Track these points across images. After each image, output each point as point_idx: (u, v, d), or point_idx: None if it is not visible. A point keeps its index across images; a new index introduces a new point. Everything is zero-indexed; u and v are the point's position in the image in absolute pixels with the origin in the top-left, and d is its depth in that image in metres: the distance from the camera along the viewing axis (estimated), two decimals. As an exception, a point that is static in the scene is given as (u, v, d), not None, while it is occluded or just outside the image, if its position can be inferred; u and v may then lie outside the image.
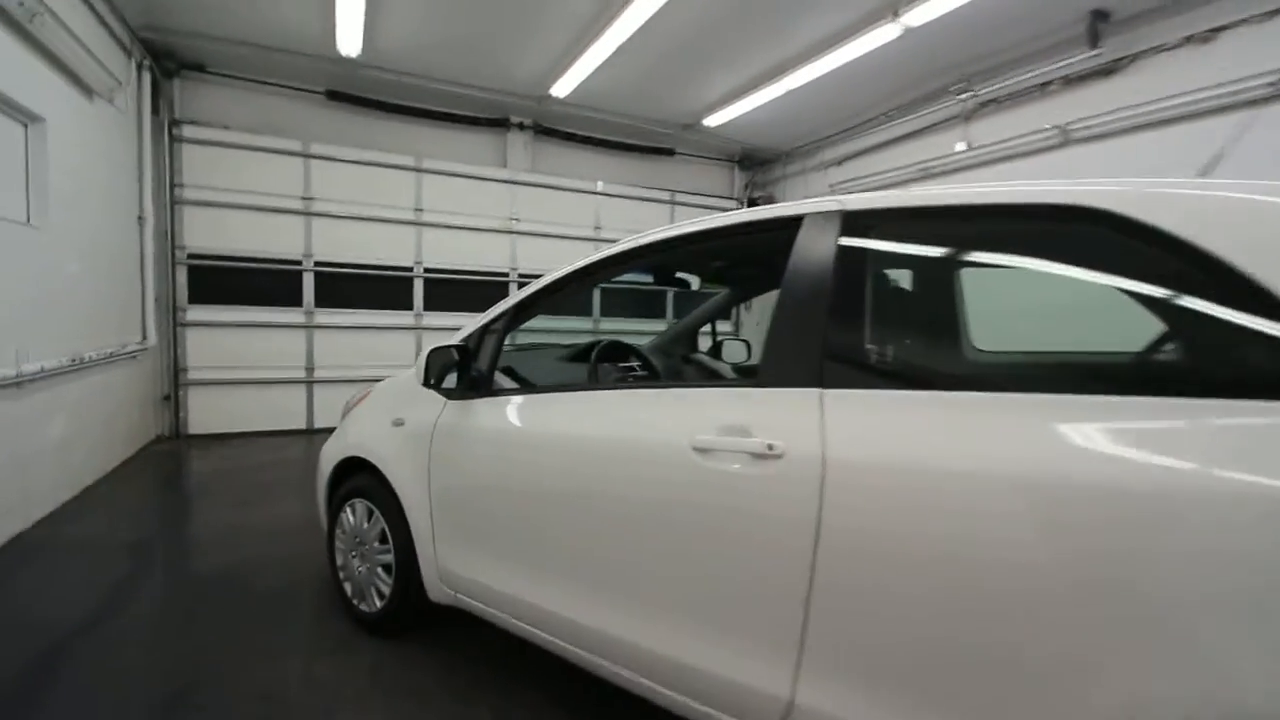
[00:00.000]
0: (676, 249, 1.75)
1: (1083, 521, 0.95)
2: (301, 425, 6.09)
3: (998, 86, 5.41)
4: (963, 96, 5.61)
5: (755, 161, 8.46)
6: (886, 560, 1.12)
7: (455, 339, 2.10)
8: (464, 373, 2.00)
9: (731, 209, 7.95)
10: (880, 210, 1.36)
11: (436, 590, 2.05)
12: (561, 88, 5.94)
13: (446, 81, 5.99)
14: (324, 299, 6.09)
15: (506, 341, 2.06)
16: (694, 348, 3.15)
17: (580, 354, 2.57)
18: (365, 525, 2.26)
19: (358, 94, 6.15)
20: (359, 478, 2.31)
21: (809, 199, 1.47)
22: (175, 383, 5.65)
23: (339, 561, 2.40)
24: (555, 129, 7.17)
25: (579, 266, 1.89)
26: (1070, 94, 5.08)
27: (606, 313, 7.57)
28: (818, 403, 1.25)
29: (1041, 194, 1.15)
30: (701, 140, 7.58)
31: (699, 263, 2.66)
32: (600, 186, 7.50)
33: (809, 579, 1.19)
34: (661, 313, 8.06)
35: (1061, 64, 4.95)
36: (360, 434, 2.35)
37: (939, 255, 1.53)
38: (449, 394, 2.03)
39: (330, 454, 2.47)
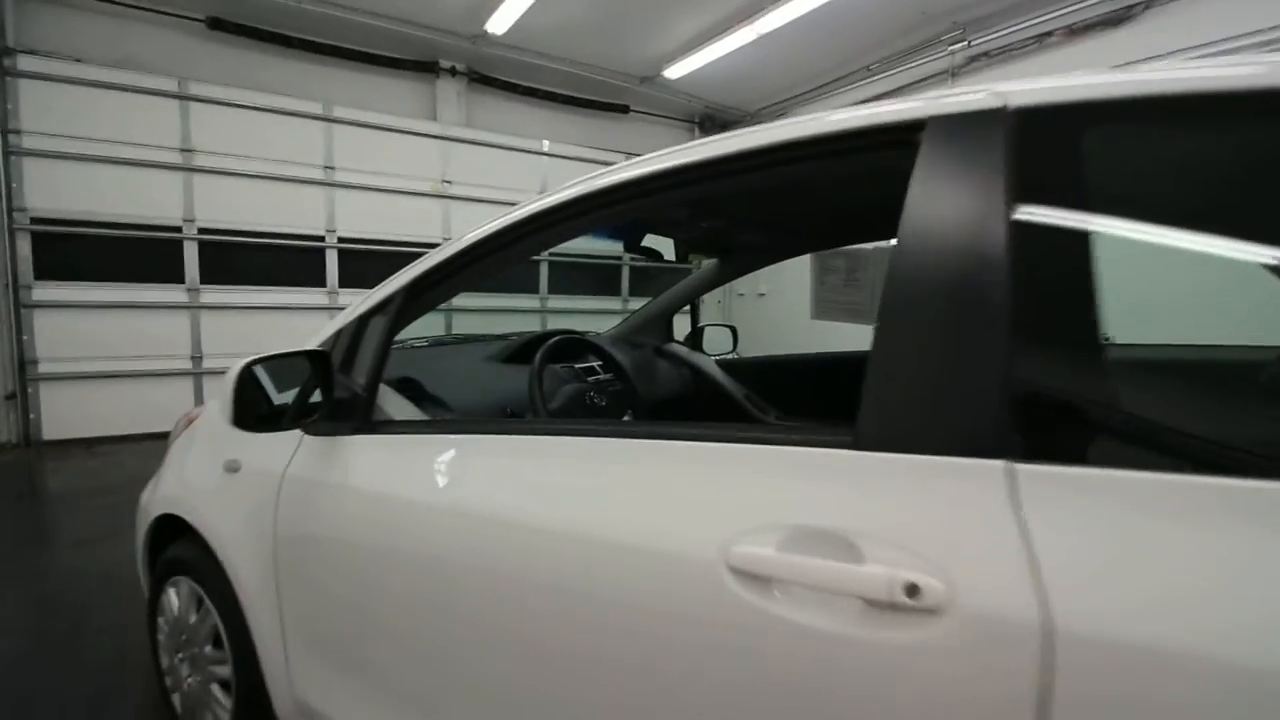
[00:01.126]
0: (662, 192, 1.03)
1: None
2: (190, 425, 5.10)
3: (991, 36, 4.88)
4: (955, 47, 5.04)
5: (718, 124, 7.74)
6: None
7: (314, 340, 1.35)
8: (327, 392, 1.26)
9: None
10: (1097, 104, 0.66)
11: (296, 725, 1.33)
12: (499, 21, 5.04)
13: (360, 11, 5.00)
14: (212, 274, 5.04)
15: (405, 337, 1.33)
16: (669, 336, 2.47)
17: (517, 354, 1.83)
18: (192, 618, 1.49)
19: (248, 24, 5.08)
20: (181, 545, 1.54)
21: (927, 94, 0.78)
22: (21, 378, 4.57)
23: (164, 663, 1.63)
24: (493, 77, 6.24)
25: (509, 222, 1.15)
26: (1072, 46, 4.57)
27: (555, 289, 6.76)
28: (1005, 492, 0.58)
29: None
30: (659, 97, 6.79)
31: (692, 218, 1.73)
32: (546, 146, 6.62)
33: None
34: (617, 289, 7.31)
35: (1065, 10, 4.44)
36: (178, 480, 1.57)
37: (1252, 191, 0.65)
38: (306, 425, 1.28)
39: (146, 507, 1.68)
